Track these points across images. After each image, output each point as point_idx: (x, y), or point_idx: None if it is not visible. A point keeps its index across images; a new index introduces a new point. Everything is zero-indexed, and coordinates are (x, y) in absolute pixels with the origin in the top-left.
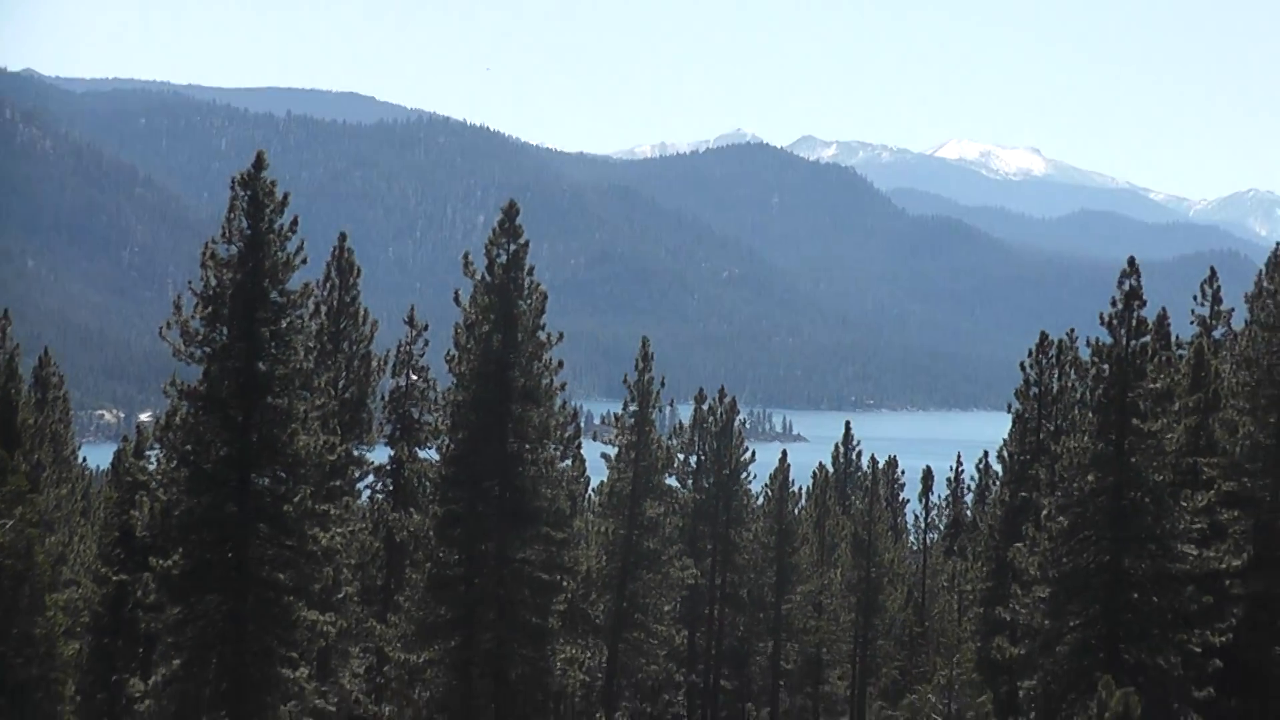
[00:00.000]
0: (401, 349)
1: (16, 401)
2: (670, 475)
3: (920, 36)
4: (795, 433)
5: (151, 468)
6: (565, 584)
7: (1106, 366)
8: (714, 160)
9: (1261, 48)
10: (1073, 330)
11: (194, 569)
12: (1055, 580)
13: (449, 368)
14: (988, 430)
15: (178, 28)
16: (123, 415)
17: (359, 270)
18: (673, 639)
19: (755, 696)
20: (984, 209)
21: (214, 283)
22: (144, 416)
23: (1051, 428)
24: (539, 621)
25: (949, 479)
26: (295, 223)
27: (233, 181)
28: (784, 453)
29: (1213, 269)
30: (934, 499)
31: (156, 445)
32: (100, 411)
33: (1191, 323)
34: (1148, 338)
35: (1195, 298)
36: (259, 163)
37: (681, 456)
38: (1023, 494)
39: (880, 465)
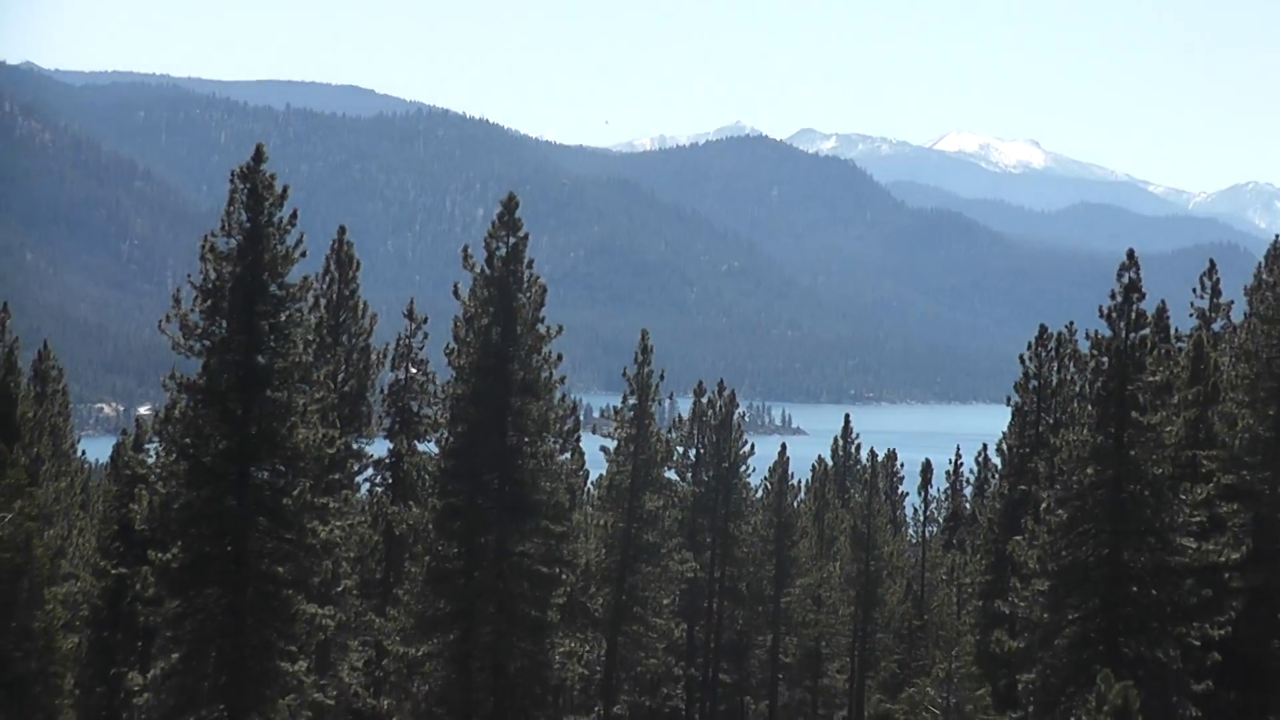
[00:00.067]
0: (401, 342)
1: (16, 395)
2: (669, 468)
3: (919, 29)
4: (794, 426)
5: (151, 461)
6: (564, 577)
7: (1106, 359)
8: (713, 153)
9: (1261, 40)
10: (1072, 323)
11: (193, 562)
12: (1054, 573)
13: (448, 361)
14: (987, 423)
15: (177, 21)
16: (122, 408)
17: (358, 263)
18: (672, 632)
19: (754, 690)
20: (983, 202)
21: (213, 276)
22: (143, 410)
23: (1051, 421)
24: (538, 615)
25: (948, 472)
26: (294, 216)
27: (232, 175)
28: (783, 446)
29: (1212, 261)
30: (933, 492)
31: (155, 438)
32: (99, 405)
33: (1191, 315)
34: (1147, 330)
35: (1194, 290)
36: (258, 156)
37: (681, 450)
38: (1022, 487)
39: (879, 458)
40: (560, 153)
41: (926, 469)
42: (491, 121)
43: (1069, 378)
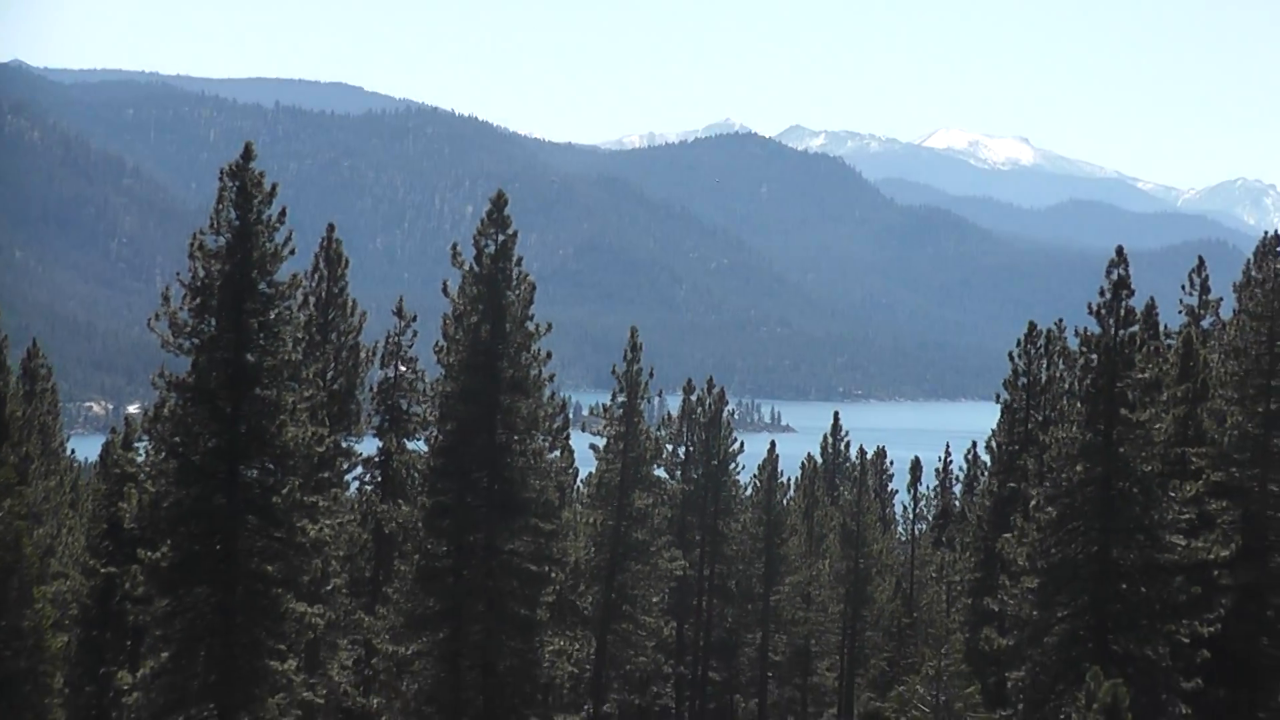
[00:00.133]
0: (390, 340)
1: (4, 393)
2: (659, 466)
3: (909, 26)
4: (784, 423)
5: (140, 459)
6: (554, 575)
7: (1095, 356)
8: (702, 150)
9: (1250, 37)
10: (1061, 320)
11: (182, 561)
12: (1044, 571)
13: (437, 359)
14: (976, 420)
15: (166, 19)
16: (111, 407)
17: (347, 261)
18: (661, 630)
19: (744, 688)
20: (972, 199)
21: (202, 274)
22: (132, 408)
23: (1040, 418)
24: (527, 613)
25: (937, 469)
26: (284, 213)
27: (221, 172)
28: (772, 443)
29: (1201, 258)
30: (922, 489)
31: (145, 437)
32: (89, 403)
33: (1180, 312)
34: (1136, 327)
35: (1184, 287)
36: (247, 153)
37: (670, 447)
38: (1011, 484)
39: (869, 456)
40: (549, 150)
41: (916, 466)
42: (481, 119)
43: (1058, 375)
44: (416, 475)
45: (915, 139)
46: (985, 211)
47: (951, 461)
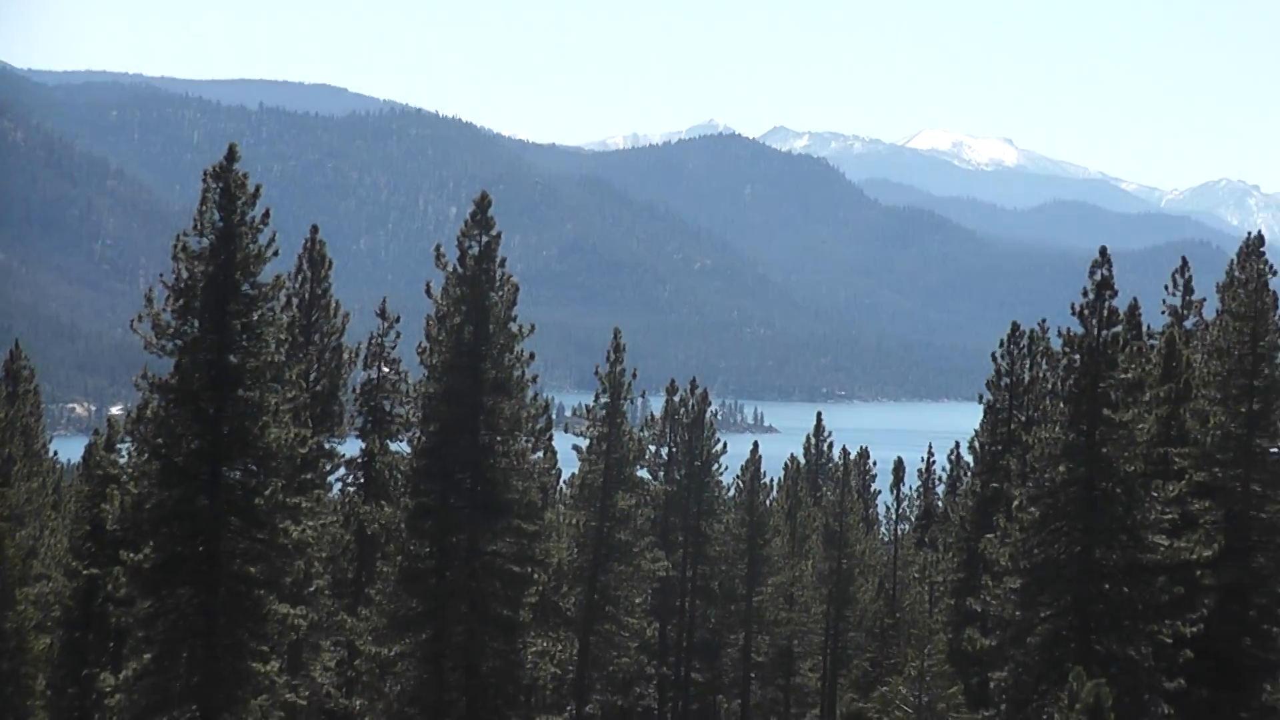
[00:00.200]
0: (373, 341)
1: None
2: (642, 467)
3: (892, 27)
4: (767, 424)
5: (122, 461)
6: (537, 576)
7: (1078, 357)
8: (686, 151)
9: (1233, 37)
10: (1044, 320)
11: (165, 562)
12: (1026, 571)
13: (420, 360)
14: (959, 421)
15: (150, 20)
16: (94, 408)
17: (331, 262)
18: (644, 631)
19: (727, 688)
20: (956, 199)
21: (185, 275)
22: (115, 410)
23: (1023, 418)
24: (510, 614)
25: (920, 470)
26: (267, 215)
27: (205, 174)
28: (755, 444)
29: (1184, 259)
30: (905, 490)
31: (127, 438)
32: (71, 405)
33: (1163, 313)
34: (1119, 328)
35: (1167, 287)
36: (231, 155)
37: (653, 448)
38: (994, 485)
39: (852, 456)
40: (533, 151)
41: (899, 467)
42: (464, 120)
43: (1041, 375)
44: (399, 476)
45: (899, 140)
46: (969, 212)
47: (934, 462)
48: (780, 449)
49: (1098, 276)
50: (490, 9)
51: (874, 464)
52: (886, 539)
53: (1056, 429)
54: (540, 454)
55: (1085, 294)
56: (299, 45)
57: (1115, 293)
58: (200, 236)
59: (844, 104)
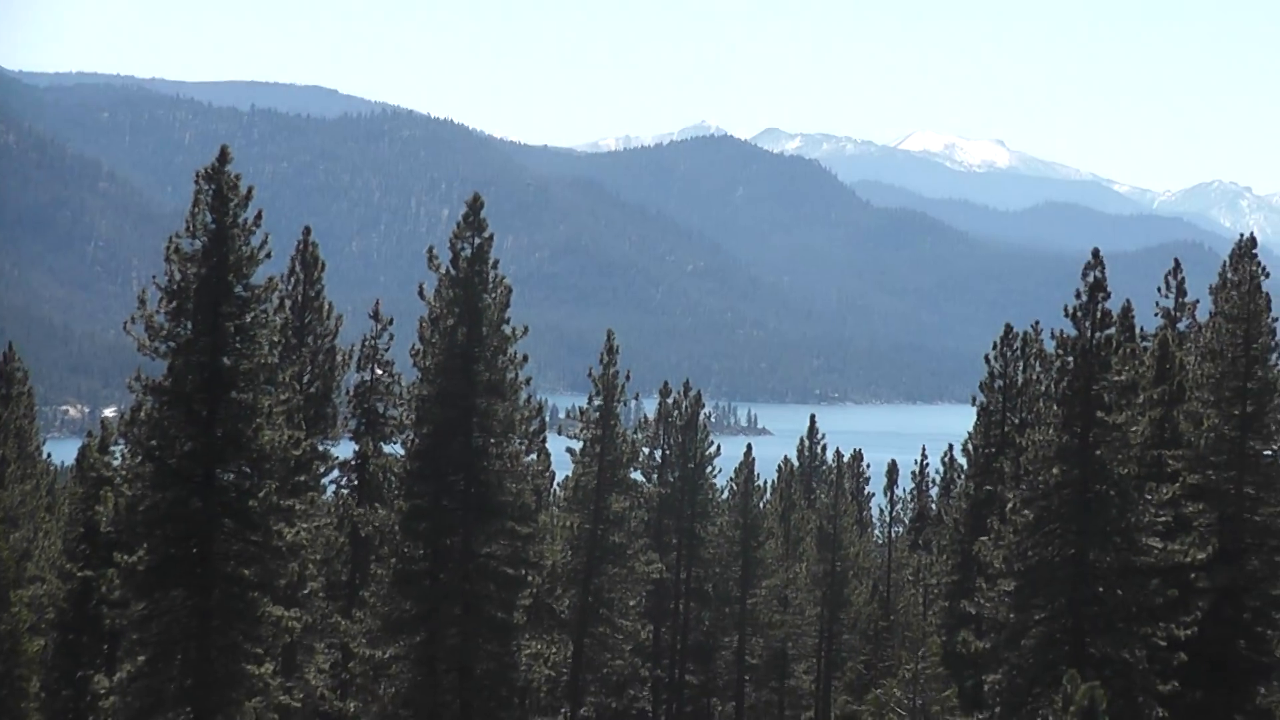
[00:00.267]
0: (366, 343)
1: None
2: (635, 469)
3: (884, 29)
4: (760, 426)
5: (116, 463)
6: (530, 579)
7: (1071, 359)
8: (678, 153)
9: (1225, 39)
10: (1037, 322)
11: (159, 564)
12: (1020, 573)
13: (414, 362)
14: (953, 423)
15: (141, 22)
16: (87, 410)
17: (323, 264)
18: (638, 634)
19: (721, 691)
20: (948, 201)
21: (178, 277)
22: (108, 412)
23: (1016, 420)
24: (504, 616)
25: (914, 472)
26: (259, 217)
27: (197, 176)
28: (749, 446)
29: (1177, 261)
30: (899, 492)
31: (121, 440)
32: (65, 407)
33: (1156, 315)
34: (1112, 330)
35: (1159, 289)
36: (223, 157)
37: (646, 450)
38: (987, 487)
39: (845, 458)
40: (525, 153)
41: (892, 469)
42: (456, 122)
43: (1034, 377)
44: (393, 478)
45: (891, 141)
46: (961, 214)
47: (928, 464)
48: (774, 451)
49: (1090, 278)
50: (482, 11)
51: (868, 466)
52: (880, 541)
53: (1050, 431)
54: (534, 456)
55: (1078, 296)
56: (290, 47)
57: (1108, 294)
58: (193, 238)
59: (836, 105)
